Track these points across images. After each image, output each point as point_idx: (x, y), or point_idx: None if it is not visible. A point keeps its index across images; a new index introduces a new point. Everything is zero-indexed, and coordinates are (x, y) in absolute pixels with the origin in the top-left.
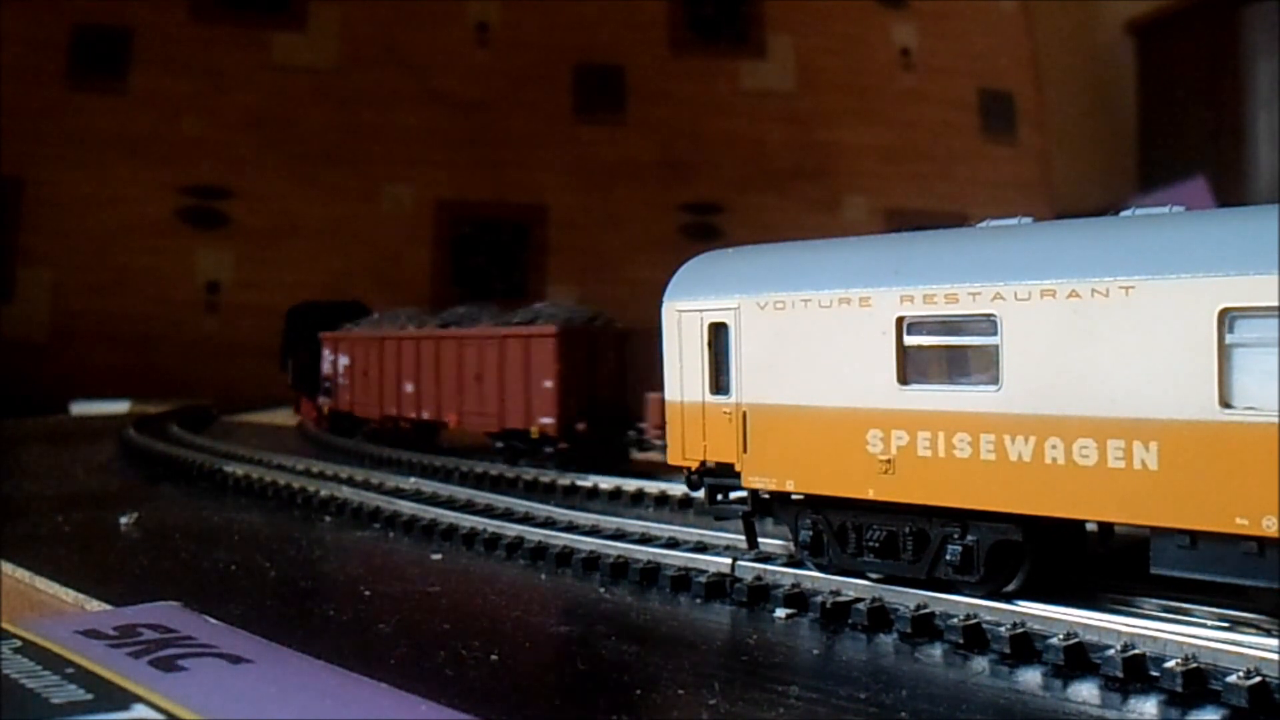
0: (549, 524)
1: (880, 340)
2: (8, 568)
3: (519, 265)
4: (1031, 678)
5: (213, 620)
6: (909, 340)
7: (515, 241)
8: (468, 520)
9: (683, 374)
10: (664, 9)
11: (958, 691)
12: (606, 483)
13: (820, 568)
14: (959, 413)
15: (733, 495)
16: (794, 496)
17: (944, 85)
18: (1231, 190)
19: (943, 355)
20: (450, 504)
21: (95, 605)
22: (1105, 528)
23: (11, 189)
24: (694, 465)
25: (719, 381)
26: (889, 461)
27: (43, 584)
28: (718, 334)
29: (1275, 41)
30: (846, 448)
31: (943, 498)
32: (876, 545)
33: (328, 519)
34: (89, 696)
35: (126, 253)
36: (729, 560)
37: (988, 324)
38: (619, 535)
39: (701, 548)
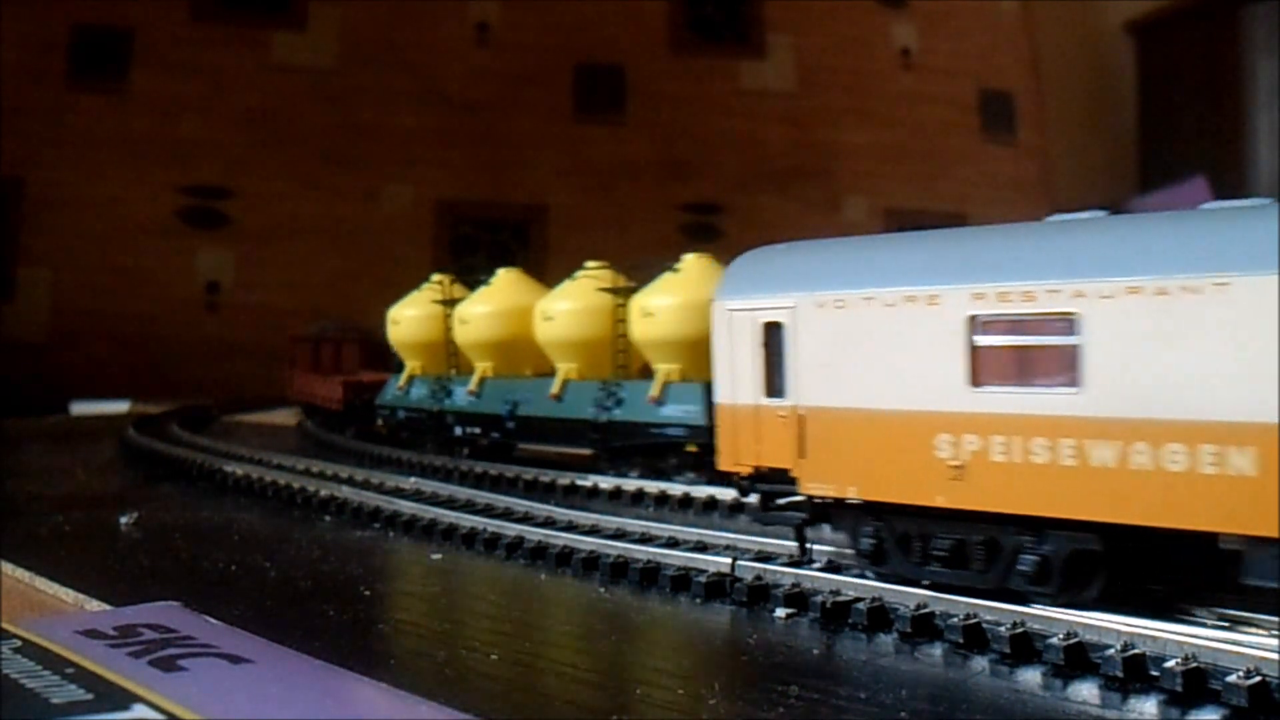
0: (549, 524)
1: (950, 340)
2: (8, 568)
3: (519, 265)
4: (1031, 677)
5: (213, 620)
6: (981, 340)
7: (515, 241)
8: (468, 520)
9: (734, 376)
10: (664, 9)
11: (958, 691)
12: (606, 482)
13: (881, 577)
14: (1036, 416)
15: (782, 501)
16: (854, 502)
17: (944, 85)
18: (1231, 190)
19: (1018, 356)
20: (450, 504)
21: (95, 605)
22: (1196, 536)
23: (11, 189)
24: (745, 470)
25: (774, 383)
26: (960, 467)
27: (43, 584)
28: (772, 334)
29: (1275, 41)
30: (913, 453)
31: (1018, 505)
32: (944, 554)
33: (328, 519)
34: (89, 696)
35: (126, 253)
36: (729, 560)
37: (1067, 323)
38: (619, 535)
39: (701, 547)
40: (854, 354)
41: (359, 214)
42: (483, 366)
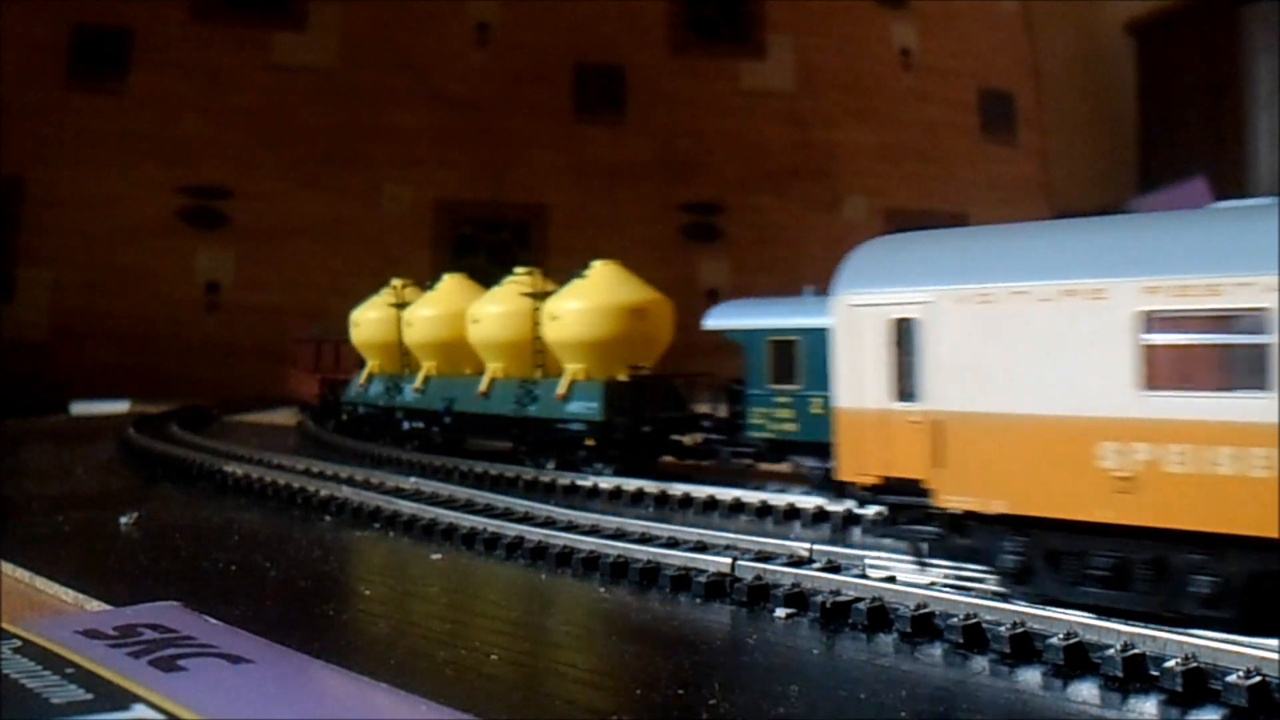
0: (549, 524)
1: (1116, 339)
2: (8, 568)
3: (519, 265)
4: (1031, 677)
5: (213, 620)
6: (1155, 339)
7: (515, 241)
8: (468, 520)
9: (857, 377)
10: (664, 9)
11: (958, 691)
12: (606, 483)
13: (1025, 597)
14: (1219, 423)
15: (885, 510)
16: (995, 517)
17: (944, 85)
18: (1232, 190)
19: (1199, 356)
20: (450, 504)
21: (95, 605)
22: None
23: (11, 189)
24: (871, 481)
25: (905, 386)
26: (1127, 479)
27: (43, 584)
28: (904, 331)
29: (1275, 41)
30: (1071, 462)
31: (1197, 521)
32: (1103, 574)
33: (328, 519)
34: (89, 696)
35: (126, 253)
36: (729, 560)
37: (1258, 320)
38: (619, 535)
39: (701, 547)
40: (1002, 353)
41: (359, 214)
42: (427, 366)
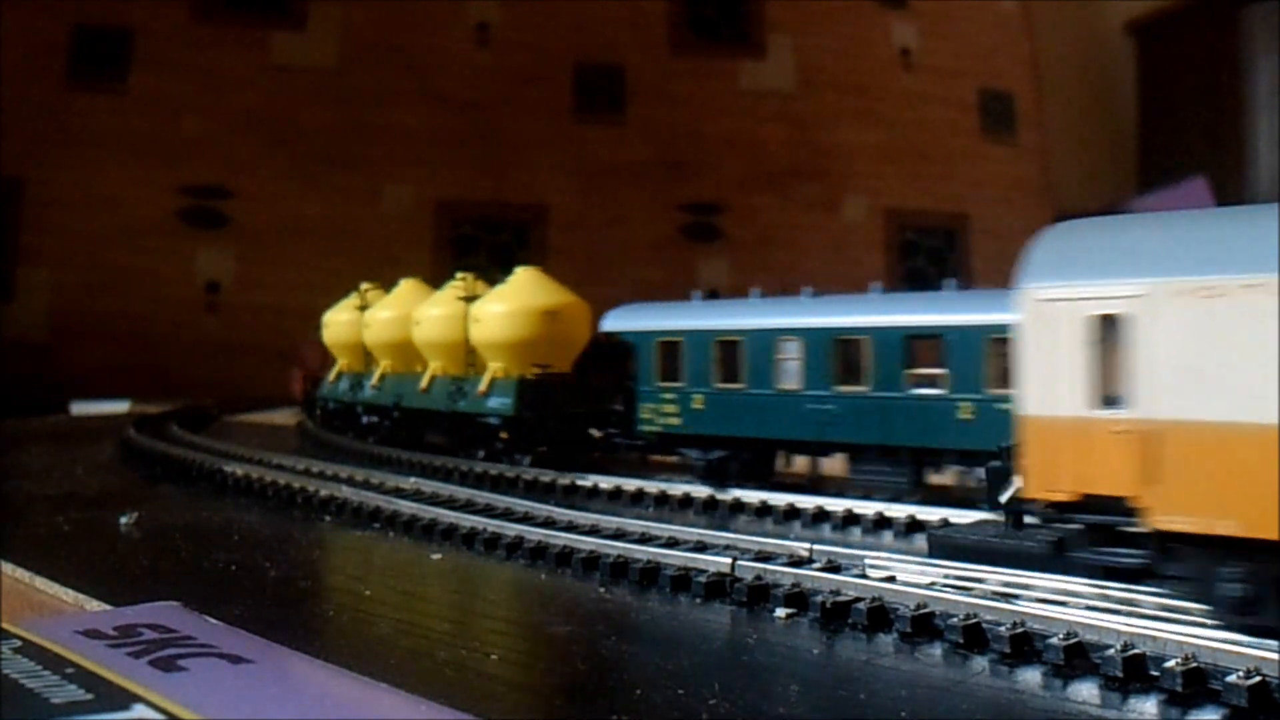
0: (549, 524)
1: None
2: (8, 568)
3: (519, 265)
4: (1031, 677)
5: (213, 620)
6: None
7: (515, 241)
8: (468, 520)
9: (1049, 381)
10: (664, 9)
11: (958, 691)
12: (606, 482)
13: (1248, 630)
14: None
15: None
16: (1209, 538)
17: (944, 85)
18: (1231, 190)
19: None
20: (450, 504)
21: (95, 605)
22: None
23: (11, 189)
24: (1065, 498)
25: (1108, 391)
26: None
27: (43, 584)
28: (1108, 329)
29: (1275, 41)
30: None
31: None
32: None
33: (328, 519)
34: (89, 696)
35: (126, 253)
36: (729, 560)
37: None
38: (619, 535)
39: (701, 547)
40: (1233, 355)
41: (359, 214)
42: (383, 364)
